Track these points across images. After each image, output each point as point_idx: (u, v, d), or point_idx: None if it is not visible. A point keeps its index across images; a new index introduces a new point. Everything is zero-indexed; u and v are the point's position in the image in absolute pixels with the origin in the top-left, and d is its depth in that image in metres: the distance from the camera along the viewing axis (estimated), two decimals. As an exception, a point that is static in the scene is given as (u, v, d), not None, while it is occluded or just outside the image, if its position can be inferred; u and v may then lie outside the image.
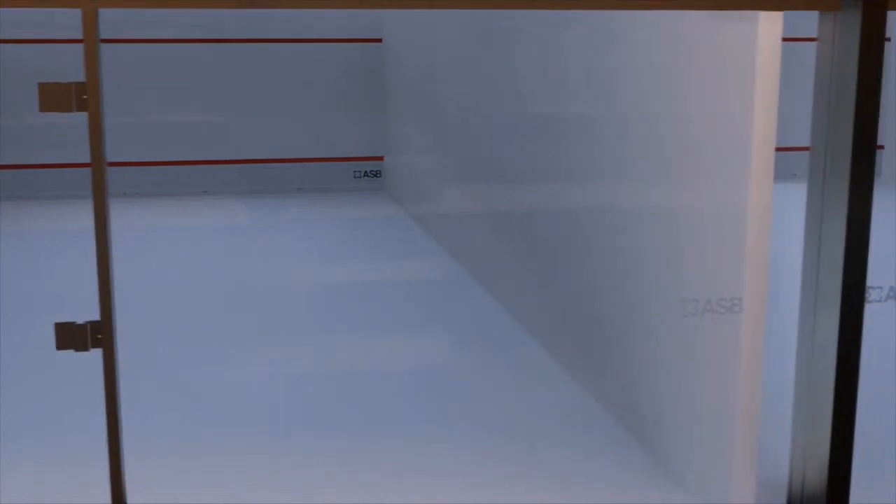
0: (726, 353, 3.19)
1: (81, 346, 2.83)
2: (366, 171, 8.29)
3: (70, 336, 2.82)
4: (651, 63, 3.73)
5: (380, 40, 8.00)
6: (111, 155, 8.58)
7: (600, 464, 3.66)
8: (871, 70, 2.98)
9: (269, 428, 3.98)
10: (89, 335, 2.81)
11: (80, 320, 2.81)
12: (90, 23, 2.62)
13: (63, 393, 4.19)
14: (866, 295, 3.40)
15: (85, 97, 2.68)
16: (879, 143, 9.08)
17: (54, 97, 2.68)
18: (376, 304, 5.51)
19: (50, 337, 2.79)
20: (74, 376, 3.63)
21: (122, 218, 7.18)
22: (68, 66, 7.78)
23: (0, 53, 7.52)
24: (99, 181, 2.71)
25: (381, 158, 8.18)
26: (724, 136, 3.17)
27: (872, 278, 3.52)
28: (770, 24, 2.90)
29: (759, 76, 2.90)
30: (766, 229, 2.95)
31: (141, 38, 7.85)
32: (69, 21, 7.61)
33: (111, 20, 7.76)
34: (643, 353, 3.82)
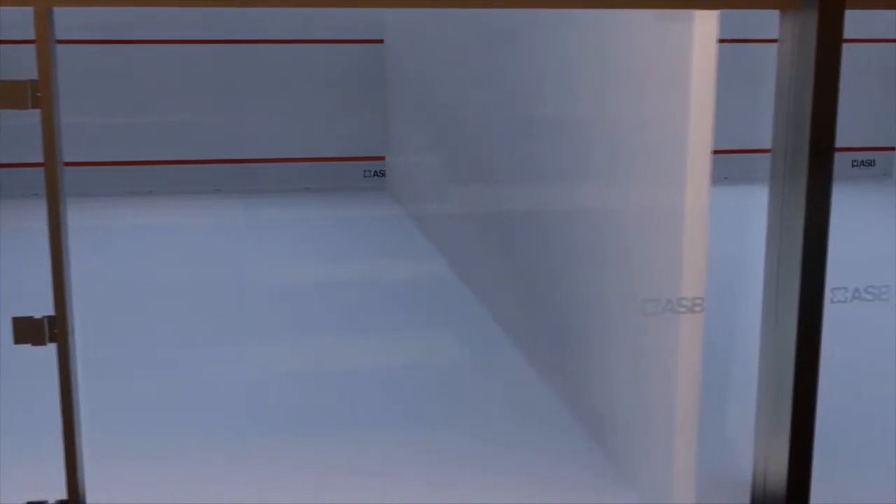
0: (667, 352, 3.20)
1: (39, 341, 2.85)
2: (375, 171, 8.34)
3: (27, 330, 2.84)
4: (591, 65, 3.74)
5: (381, 41, 8.04)
6: (131, 154, 8.61)
7: (556, 464, 3.67)
8: (829, 71, 2.97)
9: (248, 427, 4.01)
10: (46, 329, 2.84)
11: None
12: (43, 21, 2.64)
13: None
14: (831, 295, 3.40)
15: (39, 94, 2.70)
16: (888, 144, 9.01)
17: (9, 94, 2.71)
18: (357, 303, 5.54)
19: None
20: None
21: (136, 216, 7.30)
22: (78, 66, 7.87)
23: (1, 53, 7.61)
24: (53, 179, 2.74)
25: (382, 158, 8.22)
26: (662, 138, 3.17)
27: (884, 279, 3.51)
28: (705, 24, 2.87)
29: (694, 77, 2.87)
30: (704, 230, 2.93)
31: (152, 40, 7.92)
32: (81, 22, 7.72)
33: (123, 22, 7.86)
34: (597, 353, 3.83)
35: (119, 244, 6.60)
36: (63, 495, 2.94)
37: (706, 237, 2.93)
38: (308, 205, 7.82)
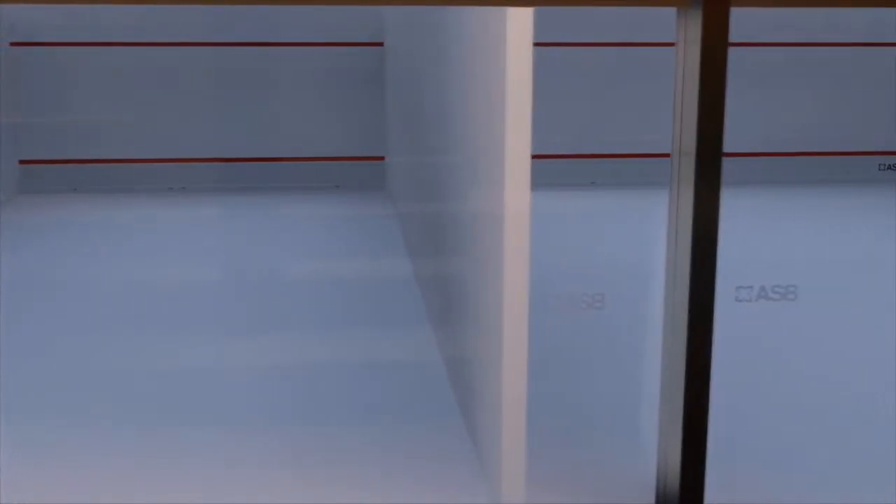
0: (495, 352, 3.21)
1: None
2: (394, 170, 8.41)
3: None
4: (429, 64, 3.77)
5: (381, 43, 8.11)
6: (157, 152, 8.86)
7: (434, 462, 3.67)
8: (715, 72, 2.95)
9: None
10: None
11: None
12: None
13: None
14: (736, 294, 3.40)
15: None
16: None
17: None
18: (311, 300, 5.56)
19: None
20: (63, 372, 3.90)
21: (160, 212, 7.43)
22: (94, 67, 8.06)
23: (21, 55, 7.81)
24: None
25: (382, 158, 8.28)
26: (485, 141, 3.18)
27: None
28: (519, 24, 2.80)
29: (509, 79, 2.82)
30: (525, 234, 2.90)
31: (175, 42, 8.07)
32: (104, 24, 7.87)
33: (145, 26, 8.00)
34: (462, 350, 3.85)
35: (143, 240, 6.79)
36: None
37: (528, 240, 2.89)
38: (311, 204, 7.89)
